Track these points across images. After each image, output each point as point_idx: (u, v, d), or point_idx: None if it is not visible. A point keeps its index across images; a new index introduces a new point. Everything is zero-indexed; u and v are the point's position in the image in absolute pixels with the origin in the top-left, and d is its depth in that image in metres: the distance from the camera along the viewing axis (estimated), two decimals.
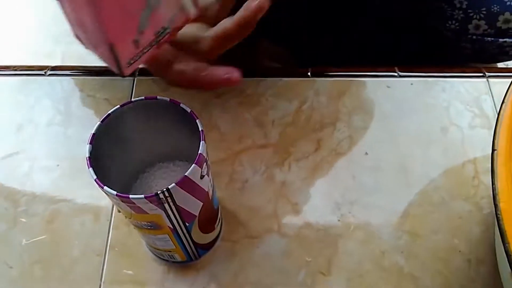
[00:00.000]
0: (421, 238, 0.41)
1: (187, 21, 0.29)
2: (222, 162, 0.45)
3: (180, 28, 0.30)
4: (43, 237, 0.42)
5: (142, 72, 0.50)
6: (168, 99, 0.30)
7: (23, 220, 0.42)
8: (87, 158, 0.27)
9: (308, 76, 0.50)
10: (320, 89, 0.49)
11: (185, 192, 0.28)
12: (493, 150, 0.31)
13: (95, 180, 0.27)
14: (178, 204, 0.29)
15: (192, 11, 0.28)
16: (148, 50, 0.29)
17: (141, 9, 0.25)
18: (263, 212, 0.42)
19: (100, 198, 0.43)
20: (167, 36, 0.29)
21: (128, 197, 0.27)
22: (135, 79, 0.50)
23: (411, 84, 0.50)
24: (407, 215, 0.42)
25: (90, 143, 0.28)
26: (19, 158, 0.46)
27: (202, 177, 0.30)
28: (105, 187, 0.27)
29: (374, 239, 0.41)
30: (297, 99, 0.49)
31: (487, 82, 0.50)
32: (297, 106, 0.48)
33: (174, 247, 0.35)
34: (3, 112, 0.49)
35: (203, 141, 0.28)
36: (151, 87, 0.50)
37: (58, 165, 0.45)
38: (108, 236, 0.41)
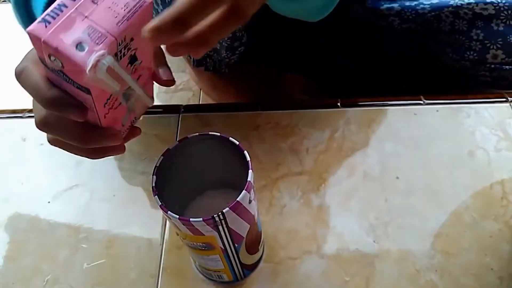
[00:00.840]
0: (454, 256, 0.43)
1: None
2: (262, 188, 0.49)
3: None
4: (102, 261, 0.46)
5: (187, 109, 0.55)
6: (219, 134, 0.34)
7: (84, 246, 0.47)
8: (153, 188, 0.32)
9: (338, 107, 0.54)
10: (351, 118, 0.53)
11: (236, 215, 0.32)
12: None
13: (160, 206, 0.31)
14: (230, 226, 0.33)
15: (151, 103, 0.33)
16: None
17: (124, 114, 0.33)
18: (302, 235, 0.45)
19: (153, 225, 0.47)
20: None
21: (189, 220, 0.30)
22: (180, 115, 0.55)
23: (437, 111, 0.53)
24: (440, 235, 0.44)
25: (154, 175, 0.33)
26: (79, 190, 0.50)
27: (250, 202, 0.33)
28: (169, 212, 0.31)
29: (409, 258, 0.43)
30: (329, 128, 0.52)
31: (509, 106, 0.52)
32: (329, 135, 0.52)
33: (223, 267, 0.39)
34: None
35: (251, 170, 0.32)
36: (194, 122, 0.55)
37: (114, 195, 0.49)
38: (160, 260, 0.45)
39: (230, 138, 0.34)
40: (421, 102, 0.54)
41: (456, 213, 0.46)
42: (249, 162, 0.33)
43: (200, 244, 0.34)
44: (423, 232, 0.45)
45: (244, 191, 0.31)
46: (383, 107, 0.53)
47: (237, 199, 0.31)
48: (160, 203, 0.31)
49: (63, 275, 0.45)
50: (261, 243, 0.42)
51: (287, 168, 0.50)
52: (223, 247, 0.35)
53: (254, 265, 0.43)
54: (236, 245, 0.36)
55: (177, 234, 0.36)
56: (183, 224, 0.31)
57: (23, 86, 0.29)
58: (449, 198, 0.47)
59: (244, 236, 0.36)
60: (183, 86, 0.66)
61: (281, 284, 0.43)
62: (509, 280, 0.41)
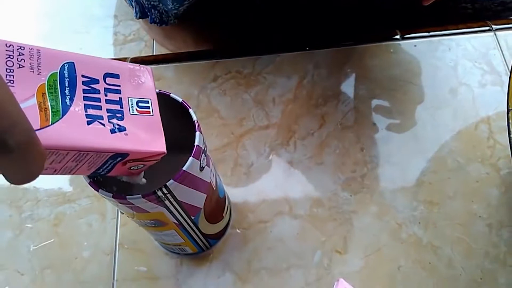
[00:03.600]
0: (438, 206, 0.39)
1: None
2: (225, 147, 0.43)
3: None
4: (50, 241, 0.41)
5: (134, 62, 0.48)
6: (157, 91, 0.28)
7: (28, 225, 0.42)
8: (89, 184, 0.26)
9: (305, 49, 0.48)
10: (320, 61, 0.47)
11: (185, 187, 0.27)
12: (508, 110, 0.29)
13: (88, 183, 0.26)
14: (179, 199, 0.28)
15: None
16: None
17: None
18: (272, 195, 0.41)
19: None
20: None
21: (125, 198, 0.25)
22: None
23: (415, 46, 0.47)
24: (422, 184, 0.40)
25: None
26: None
27: (202, 169, 0.28)
28: (100, 190, 0.25)
29: (389, 212, 0.39)
30: (296, 74, 0.47)
31: (494, 36, 0.47)
32: (297, 82, 0.46)
33: (183, 240, 0.34)
34: None
35: (198, 132, 0.27)
36: None
37: None
38: (116, 235, 0.40)
39: (172, 95, 0.28)
40: (397, 37, 0.48)
41: (439, 159, 0.42)
42: (196, 122, 0.27)
43: (148, 221, 0.29)
44: (403, 182, 0.41)
45: (191, 157, 0.26)
46: (355, 45, 0.48)
47: (183, 168, 0.26)
48: (88, 180, 0.25)
49: (8, 259, 0.40)
50: (226, 209, 0.38)
51: (251, 122, 0.45)
52: (176, 222, 0.30)
53: (221, 233, 0.39)
54: (192, 217, 0.31)
55: (122, 213, 0.31)
56: (121, 203, 0.26)
57: None
58: (431, 142, 0.42)
59: (201, 206, 0.31)
60: (133, 36, 0.59)
61: (252, 250, 0.39)
62: (499, 227, 0.38)
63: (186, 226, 0.32)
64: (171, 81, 0.47)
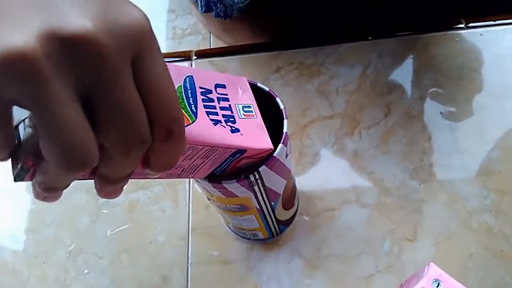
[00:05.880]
0: (509, 194, 0.39)
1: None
2: (290, 137, 0.44)
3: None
4: (126, 226, 0.43)
5: (200, 55, 0.50)
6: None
7: (104, 211, 0.44)
8: None
9: (368, 39, 0.48)
10: (384, 50, 0.47)
11: (273, 173, 0.28)
12: None
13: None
14: (266, 184, 0.29)
15: None
16: None
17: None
18: (338, 184, 0.42)
19: (177, 183, 0.43)
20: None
21: (221, 183, 0.26)
22: (192, 63, 0.50)
23: (480, 35, 0.47)
24: (492, 173, 0.40)
25: None
26: None
27: (286, 155, 0.29)
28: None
29: (459, 200, 0.39)
30: (359, 63, 0.47)
31: None
32: (360, 72, 0.46)
33: (259, 226, 0.35)
34: None
35: (286, 120, 0.28)
36: (209, 69, 0.50)
37: None
38: (189, 220, 0.42)
39: (259, 84, 0.29)
40: (462, 26, 0.47)
41: (508, 147, 0.41)
42: (284, 110, 0.28)
43: (233, 206, 0.31)
44: (472, 171, 0.41)
45: (280, 144, 0.27)
46: (419, 34, 0.47)
47: (274, 154, 0.27)
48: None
49: (86, 244, 0.42)
50: (296, 196, 0.39)
51: (316, 112, 0.45)
52: (258, 207, 0.31)
53: (290, 220, 0.40)
54: (272, 203, 0.32)
55: (209, 199, 0.32)
56: (214, 188, 0.27)
57: None
58: (498, 131, 0.42)
59: (281, 192, 0.32)
60: (191, 30, 0.60)
61: (321, 237, 0.40)
62: None
63: (265, 211, 0.33)
64: (235, 72, 0.48)
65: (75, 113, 0.16)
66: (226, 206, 0.31)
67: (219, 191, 0.28)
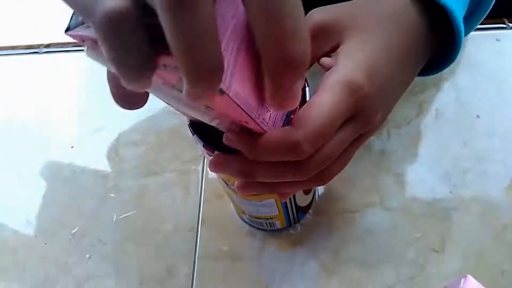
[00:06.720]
0: None
1: None
2: None
3: None
4: (133, 212, 0.41)
5: None
6: None
7: (112, 195, 0.42)
8: (189, 126, 0.25)
9: None
10: None
11: None
12: None
13: (203, 146, 0.24)
14: None
15: None
16: None
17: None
18: (362, 184, 0.39)
19: (190, 172, 0.41)
20: None
21: None
22: None
23: None
24: None
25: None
26: (105, 133, 0.45)
27: None
28: (216, 152, 0.24)
29: (493, 211, 0.36)
30: None
31: None
32: None
33: (278, 212, 0.33)
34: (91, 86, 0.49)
35: (308, 88, 0.26)
36: None
37: (142, 139, 0.43)
38: (199, 211, 0.39)
39: None
40: (504, 25, 0.44)
41: None
42: (306, 79, 0.26)
43: None
44: (508, 180, 0.37)
45: None
46: None
47: None
48: (202, 143, 0.24)
49: (91, 228, 0.40)
50: None
51: None
52: None
53: (308, 207, 0.37)
54: None
55: (227, 184, 0.29)
56: None
57: None
58: None
59: None
60: None
61: (339, 241, 0.37)
62: None
63: None
64: None
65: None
66: None
67: None
